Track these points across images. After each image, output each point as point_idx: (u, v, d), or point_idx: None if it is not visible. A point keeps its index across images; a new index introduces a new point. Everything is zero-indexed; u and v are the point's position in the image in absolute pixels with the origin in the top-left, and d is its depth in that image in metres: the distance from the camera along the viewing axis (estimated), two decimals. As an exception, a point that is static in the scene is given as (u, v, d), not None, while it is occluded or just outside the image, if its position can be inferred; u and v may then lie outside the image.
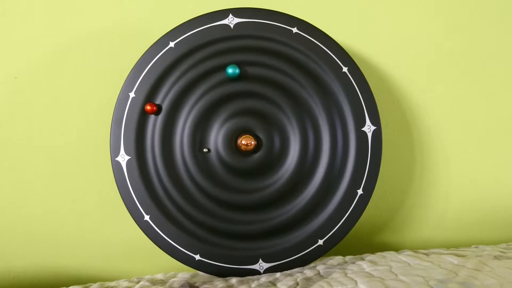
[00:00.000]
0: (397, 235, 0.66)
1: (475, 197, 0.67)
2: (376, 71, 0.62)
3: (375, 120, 0.50)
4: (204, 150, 0.47)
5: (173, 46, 0.48)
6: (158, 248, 0.48)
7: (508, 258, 0.45)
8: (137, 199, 0.48)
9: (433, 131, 0.64)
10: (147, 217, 0.48)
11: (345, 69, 0.50)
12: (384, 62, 0.62)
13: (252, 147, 0.48)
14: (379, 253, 0.52)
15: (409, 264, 0.45)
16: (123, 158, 0.48)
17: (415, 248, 0.64)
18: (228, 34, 0.49)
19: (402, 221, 0.66)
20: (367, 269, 0.44)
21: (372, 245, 0.65)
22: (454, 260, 0.45)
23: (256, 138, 0.49)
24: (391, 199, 0.65)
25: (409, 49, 0.63)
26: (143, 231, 0.48)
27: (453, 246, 0.66)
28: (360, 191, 0.49)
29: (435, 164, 0.65)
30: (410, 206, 0.66)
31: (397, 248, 0.65)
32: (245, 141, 0.48)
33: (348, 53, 0.50)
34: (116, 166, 0.48)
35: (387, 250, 0.64)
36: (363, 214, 0.52)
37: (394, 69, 0.62)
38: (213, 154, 0.49)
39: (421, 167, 0.65)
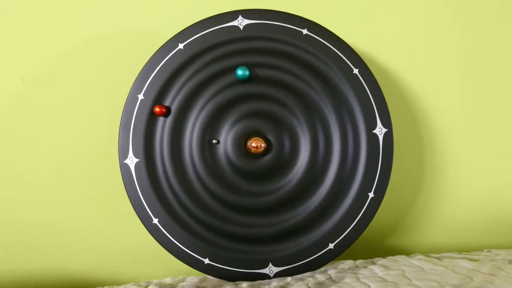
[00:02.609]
0: (406, 238, 0.65)
1: (485, 200, 0.66)
2: (386, 73, 0.61)
3: (387, 122, 0.49)
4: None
5: (182, 48, 0.48)
6: (167, 252, 0.48)
7: (522, 262, 0.45)
8: (145, 202, 0.47)
9: (443, 133, 0.64)
10: (155, 220, 0.47)
11: (356, 71, 0.49)
12: (394, 64, 0.61)
13: (262, 149, 0.47)
14: (390, 257, 0.51)
15: (422, 268, 0.45)
16: (131, 161, 0.47)
17: (425, 252, 0.64)
18: (237, 35, 0.48)
19: (411, 224, 0.65)
20: (380, 274, 0.43)
21: (381, 249, 0.65)
22: (468, 264, 0.44)
23: (266, 140, 0.48)
24: (400, 202, 0.64)
25: (420, 50, 0.62)
26: (152, 235, 0.47)
27: (463, 249, 0.65)
28: (371, 194, 0.49)
29: (445, 166, 0.64)
30: (419, 209, 0.65)
31: (406, 252, 0.64)
32: (255, 144, 0.47)
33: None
34: (125, 168, 0.47)
35: (397, 254, 0.63)
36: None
37: (404, 70, 0.62)
38: (222, 156, 0.49)
39: (430, 170, 0.64)
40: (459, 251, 0.64)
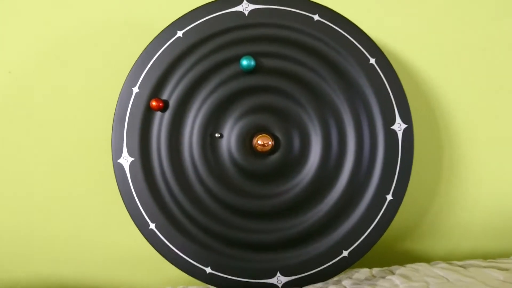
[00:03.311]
0: (422, 242, 0.61)
1: (506, 203, 0.61)
2: (403, 65, 0.57)
3: (406, 118, 0.45)
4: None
5: (181, 35, 0.44)
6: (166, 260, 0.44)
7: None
8: (141, 206, 0.43)
9: (463, 131, 0.59)
10: (152, 226, 0.43)
11: (372, 61, 0.45)
12: (412, 55, 0.56)
13: (269, 147, 0.43)
14: (410, 265, 0.47)
15: (447, 279, 0.40)
16: (126, 160, 0.43)
17: (443, 257, 0.60)
18: (242, 22, 0.44)
19: (427, 228, 0.61)
20: (401, 286, 0.39)
21: (395, 253, 0.60)
22: (499, 275, 0.40)
23: (274, 137, 0.44)
24: (416, 204, 0.60)
25: (441, 41, 0.57)
26: (148, 241, 0.44)
27: (484, 255, 0.61)
28: (389, 197, 0.44)
29: (464, 166, 0.60)
30: (436, 211, 0.60)
31: (423, 257, 0.60)
32: (262, 141, 0.43)
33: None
34: (118, 168, 0.44)
35: (411, 258, 0.59)
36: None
37: (423, 63, 0.57)
38: (225, 155, 0.44)
39: (449, 169, 0.60)
40: (480, 257, 0.59)
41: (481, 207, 0.61)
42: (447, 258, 0.60)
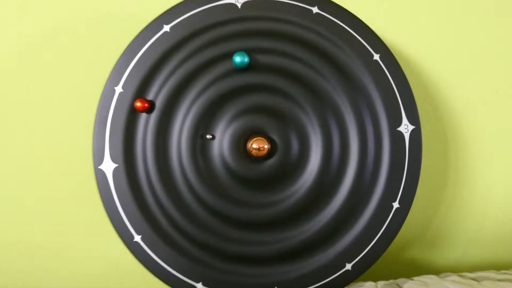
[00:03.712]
0: (428, 251, 0.58)
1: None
2: (409, 63, 0.53)
3: (414, 118, 0.41)
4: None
5: (168, 30, 0.40)
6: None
7: None
8: (125, 216, 0.40)
9: (471, 133, 0.55)
10: (137, 238, 0.40)
11: (376, 57, 0.41)
12: (419, 53, 0.53)
13: (265, 151, 0.40)
14: (418, 278, 0.43)
15: (461, 295, 0.37)
16: (108, 166, 0.40)
17: (451, 268, 0.56)
18: (235, 15, 0.41)
19: (433, 236, 0.57)
20: (411, 304, 0.36)
21: (401, 263, 0.57)
22: (518, 290, 0.37)
23: (270, 140, 0.40)
24: (421, 211, 0.56)
25: (449, 36, 0.54)
26: (134, 255, 0.40)
27: (493, 264, 0.57)
28: (396, 204, 0.41)
29: (472, 170, 0.56)
30: (442, 218, 0.57)
31: (431, 268, 0.56)
32: (257, 145, 0.39)
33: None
34: (100, 175, 0.40)
35: (417, 268, 0.56)
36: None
37: (430, 61, 0.53)
38: (217, 160, 0.41)
39: (455, 174, 0.56)
40: (490, 266, 0.56)
41: (490, 213, 0.57)
42: (456, 268, 0.57)
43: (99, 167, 0.40)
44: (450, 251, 0.57)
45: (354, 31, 0.41)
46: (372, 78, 0.41)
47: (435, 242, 0.57)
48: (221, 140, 0.41)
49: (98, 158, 0.40)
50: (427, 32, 0.53)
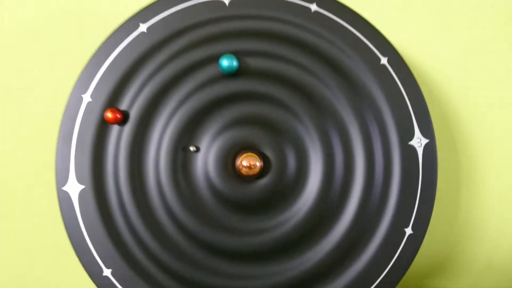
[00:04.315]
0: (437, 279, 0.52)
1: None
2: (415, 67, 0.48)
3: (428, 130, 0.36)
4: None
5: (145, 30, 0.35)
6: (125, 316, 0.34)
7: None
8: (93, 246, 0.34)
9: (485, 149, 0.50)
10: (107, 272, 0.34)
11: (384, 61, 0.36)
12: (430, 58, 0.48)
13: (257, 170, 0.34)
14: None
15: None
16: (73, 188, 0.34)
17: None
18: (222, 13, 0.36)
19: (443, 262, 0.52)
20: None
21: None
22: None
23: (262, 157, 0.35)
24: (431, 235, 0.51)
25: (462, 41, 0.49)
26: (103, 292, 0.34)
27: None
28: (408, 230, 0.36)
29: (486, 191, 0.51)
30: (453, 244, 0.52)
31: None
32: (247, 162, 0.34)
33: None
34: (64, 198, 0.34)
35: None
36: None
37: (443, 69, 0.48)
38: (201, 179, 0.35)
39: (468, 194, 0.51)
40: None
41: (505, 239, 0.52)
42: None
43: (63, 188, 0.34)
44: (463, 279, 0.52)
45: (358, 32, 0.36)
46: (379, 84, 0.36)
47: (446, 270, 0.52)
48: (206, 157, 0.35)
49: (61, 179, 0.34)
50: (441, 34, 0.48)
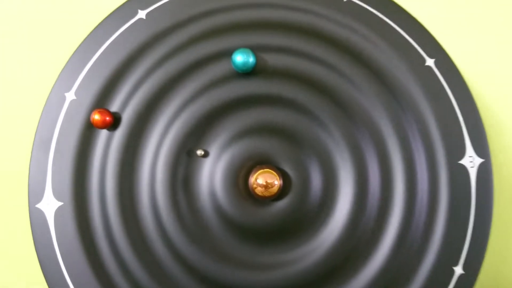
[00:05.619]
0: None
1: None
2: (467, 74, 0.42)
3: (482, 148, 0.30)
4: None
5: (144, 17, 0.30)
6: None
7: None
8: (69, 276, 0.29)
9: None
10: (86, 311, 0.28)
11: (429, 62, 0.30)
12: (482, 61, 0.41)
13: (275, 190, 0.29)
14: None
15: None
16: (49, 205, 0.29)
17: None
18: (236, 1, 0.31)
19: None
20: None
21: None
22: None
23: (281, 174, 0.29)
24: (484, 275, 0.44)
25: None
26: (80, 334, 0.28)
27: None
28: (458, 270, 0.29)
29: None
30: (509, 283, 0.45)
31: None
32: (263, 180, 0.28)
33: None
34: (37, 218, 0.29)
35: None
36: None
37: (501, 75, 0.42)
38: (206, 199, 0.30)
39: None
40: None
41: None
42: None
43: (37, 205, 0.29)
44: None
45: (399, 27, 0.31)
46: (423, 91, 0.30)
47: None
48: (212, 172, 0.29)
49: (35, 194, 0.29)
50: (499, 32, 0.42)
